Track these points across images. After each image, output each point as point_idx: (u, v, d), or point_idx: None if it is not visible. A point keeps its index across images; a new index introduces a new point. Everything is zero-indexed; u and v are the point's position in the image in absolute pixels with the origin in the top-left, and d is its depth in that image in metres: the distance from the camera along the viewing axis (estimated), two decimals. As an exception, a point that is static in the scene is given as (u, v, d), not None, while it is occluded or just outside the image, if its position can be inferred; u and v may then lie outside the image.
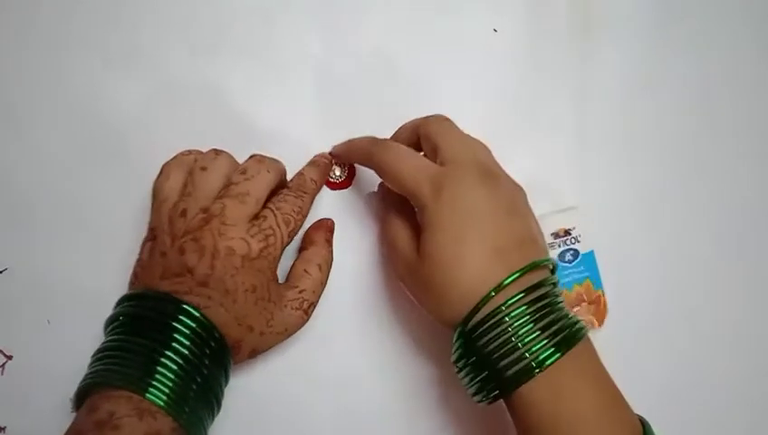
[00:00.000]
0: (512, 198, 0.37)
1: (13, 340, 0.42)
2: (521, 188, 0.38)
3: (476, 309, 0.33)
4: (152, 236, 0.38)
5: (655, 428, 0.46)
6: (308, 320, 0.40)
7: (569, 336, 0.33)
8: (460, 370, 0.36)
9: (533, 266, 0.34)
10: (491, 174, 0.37)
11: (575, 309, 0.43)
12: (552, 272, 0.36)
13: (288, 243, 0.38)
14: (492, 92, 0.47)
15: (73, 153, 0.43)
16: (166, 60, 0.44)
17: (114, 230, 0.43)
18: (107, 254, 0.42)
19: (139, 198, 0.41)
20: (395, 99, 0.46)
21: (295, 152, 0.43)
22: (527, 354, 0.32)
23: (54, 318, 0.42)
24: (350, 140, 0.43)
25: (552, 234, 0.43)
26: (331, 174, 0.45)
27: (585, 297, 0.43)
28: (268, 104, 0.45)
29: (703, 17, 0.49)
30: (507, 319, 0.33)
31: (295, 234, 0.39)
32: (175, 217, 0.36)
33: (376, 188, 0.44)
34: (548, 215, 0.44)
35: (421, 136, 0.39)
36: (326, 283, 0.41)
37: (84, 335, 0.39)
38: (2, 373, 0.41)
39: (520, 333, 0.32)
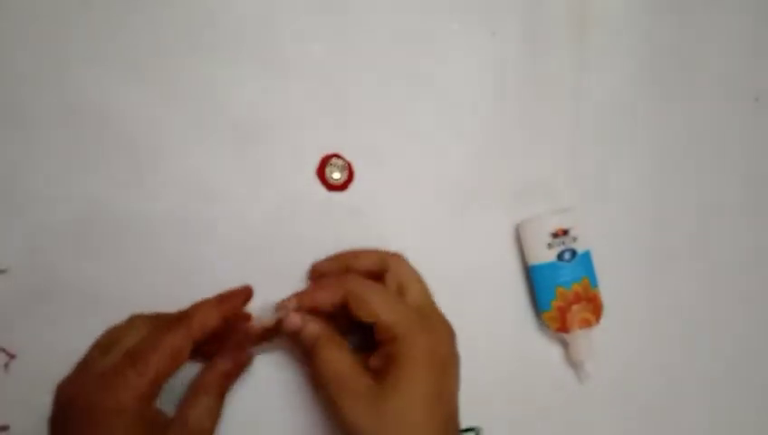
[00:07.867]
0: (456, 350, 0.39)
1: (16, 339, 0.41)
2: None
3: None
4: None
5: (651, 424, 0.47)
6: None
7: None
8: None
9: None
10: (450, 327, 0.39)
11: (573, 307, 0.44)
12: None
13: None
14: (491, 94, 0.47)
15: (75, 153, 0.43)
16: (169, 61, 0.44)
17: (116, 230, 0.43)
18: (109, 253, 0.42)
19: (142, 199, 0.41)
20: (397, 96, 0.46)
21: (296, 152, 0.44)
22: None
23: (57, 317, 0.42)
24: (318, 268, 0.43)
25: (550, 234, 0.44)
26: (330, 177, 0.45)
27: (583, 295, 0.44)
28: (270, 105, 0.45)
29: (700, 17, 0.50)
30: None
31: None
32: None
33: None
34: (546, 215, 0.45)
35: (390, 270, 0.41)
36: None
37: (87, 334, 0.39)
38: (5, 372, 0.41)
39: None
